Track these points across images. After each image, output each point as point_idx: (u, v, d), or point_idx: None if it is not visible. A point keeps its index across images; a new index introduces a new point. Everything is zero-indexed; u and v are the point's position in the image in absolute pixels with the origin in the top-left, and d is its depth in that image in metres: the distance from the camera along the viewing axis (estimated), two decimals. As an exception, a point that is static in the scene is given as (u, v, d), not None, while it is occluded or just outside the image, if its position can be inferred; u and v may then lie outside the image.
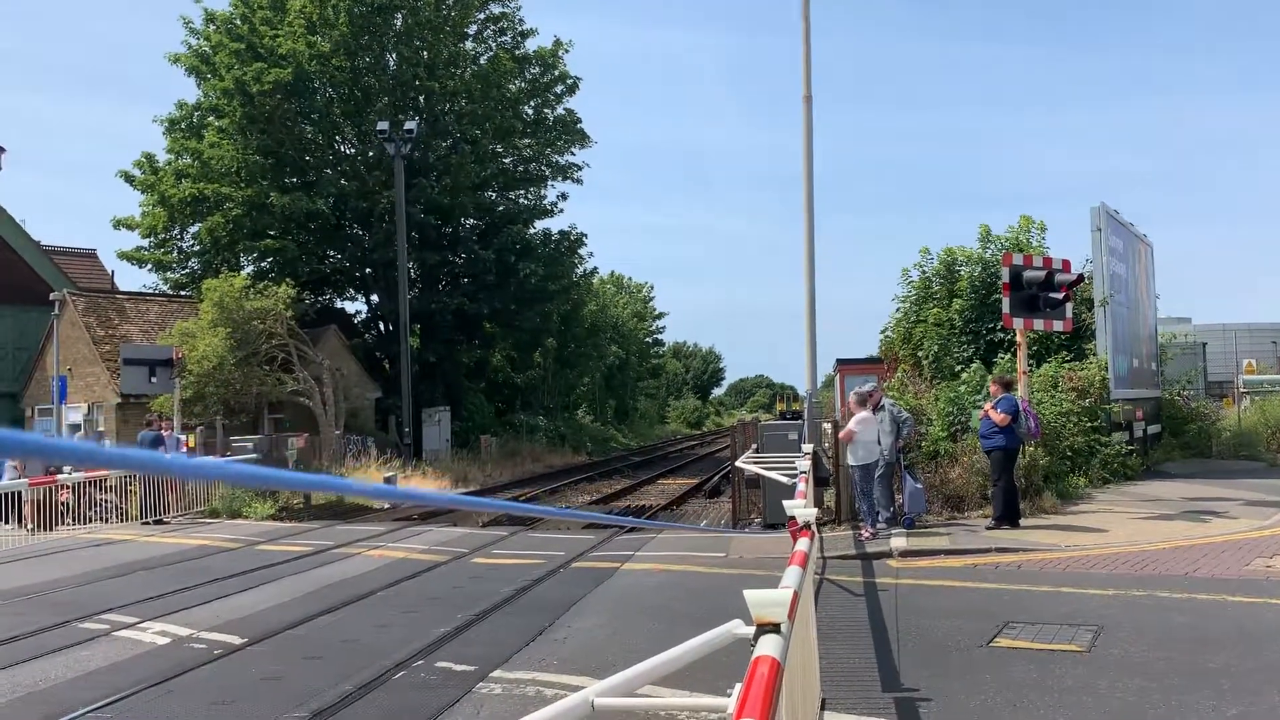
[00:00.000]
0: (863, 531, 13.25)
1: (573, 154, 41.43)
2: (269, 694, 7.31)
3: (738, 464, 14.94)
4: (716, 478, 27.61)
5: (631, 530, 16.78)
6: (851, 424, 13.59)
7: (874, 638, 8.18)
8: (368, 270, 37.76)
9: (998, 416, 13.28)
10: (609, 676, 3.39)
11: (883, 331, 25.92)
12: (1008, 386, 13.76)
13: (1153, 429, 21.74)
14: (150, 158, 36.19)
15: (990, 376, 15.79)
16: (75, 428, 27.78)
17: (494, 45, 39.40)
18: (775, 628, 3.09)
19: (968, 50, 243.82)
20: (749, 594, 3.17)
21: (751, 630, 3.20)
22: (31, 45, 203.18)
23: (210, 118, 35.35)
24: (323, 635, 9.14)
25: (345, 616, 9.97)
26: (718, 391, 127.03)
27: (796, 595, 3.75)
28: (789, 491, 10.22)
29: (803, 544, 5.58)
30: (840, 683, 6.86)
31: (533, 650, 8.22)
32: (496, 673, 7.55)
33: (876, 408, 13.63)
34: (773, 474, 12.22)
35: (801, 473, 10.37)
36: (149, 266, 36.77)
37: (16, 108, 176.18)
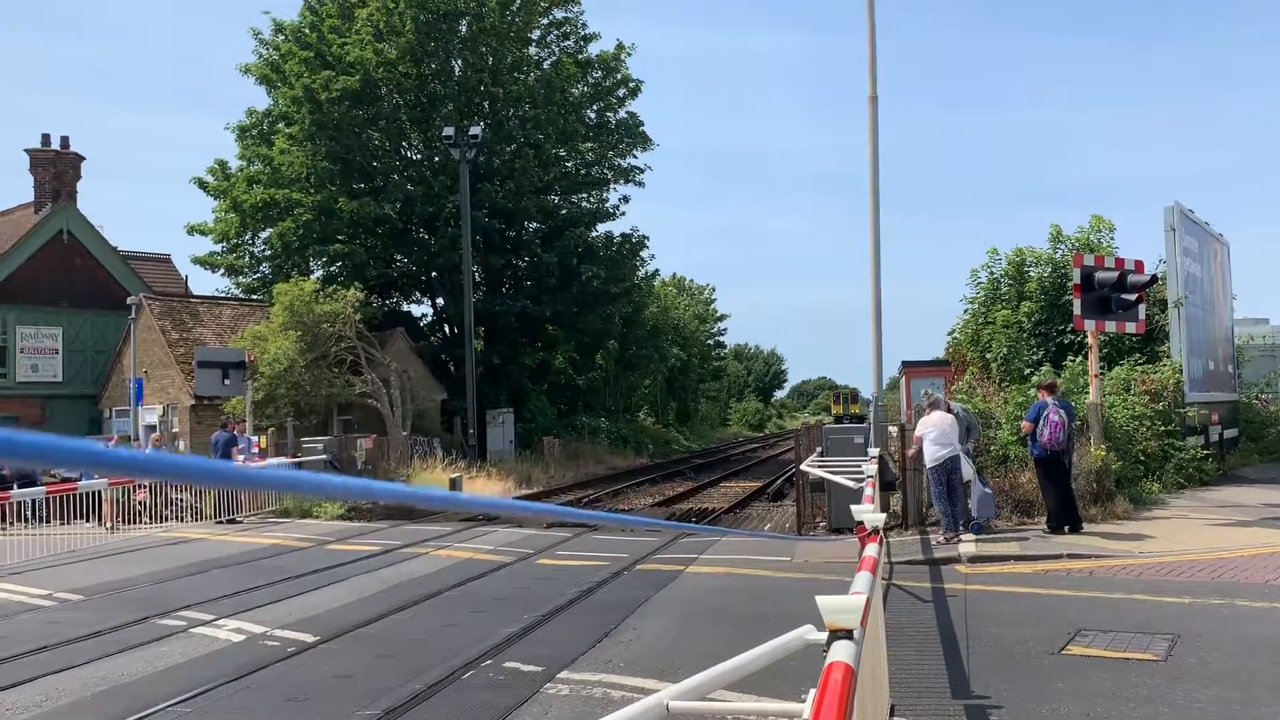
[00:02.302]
0: (938, 535, 13.11)
1: (635, 157, 41.61)
2: (341, 692, 7.45)
3: (803, 467, 14.86)
4: (780, 481, 27.48)
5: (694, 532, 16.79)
6: (920, 427, 13.45)
7: (943, 644, 8.10)
8: (433, 274, 38.24)
9: (1024, 425, 13.42)
10: (677, 679, 3.42)
11: (950, 333, 25.61)
12: (1050, 390, 13.51)
13: (1229, 433, 21.20)
14: (223, 164, 37.09)
15: (1036, 381, 15.57)
16: (151, 429, 28.48)
17: (557, 50, 39.69)
18: (848, 634, 3.09)
19: (1039, 45, 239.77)
20: (821, 600, 3.17)
21: (823, 636, 3.19)
22: (112, 57, 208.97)
23: (280, 125, 36.10)
24: (393, 634, 9.29)
25: (414, 615, 10.11)
26: (780, 394, 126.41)
27: (869, 601, 3.74)
28: (854, 496, 10.16)
29: (871, 549, 5.55)
30: (909, 689, 6.81)
31: (599, 651, 8.26)
32: (564, 673, 7.62)
33: (948, 410, 13.49)
34: (838, 478, 12.14)
35: (868, 477, 10.29)
36: (221, 271, 37.70)
37: (97, 117, 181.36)
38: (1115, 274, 14.74)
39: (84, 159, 35.05)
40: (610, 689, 7.17)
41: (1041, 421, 13.04)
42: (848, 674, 2.76)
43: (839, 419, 54.34)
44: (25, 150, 34.13)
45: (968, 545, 12.47)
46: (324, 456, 22.40)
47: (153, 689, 7.60)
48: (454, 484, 23.93)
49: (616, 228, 42.73)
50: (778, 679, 6.04)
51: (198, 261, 37.51)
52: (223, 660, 8.42)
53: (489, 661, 8.05)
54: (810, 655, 3.40)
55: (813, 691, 2.74)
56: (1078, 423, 14.20)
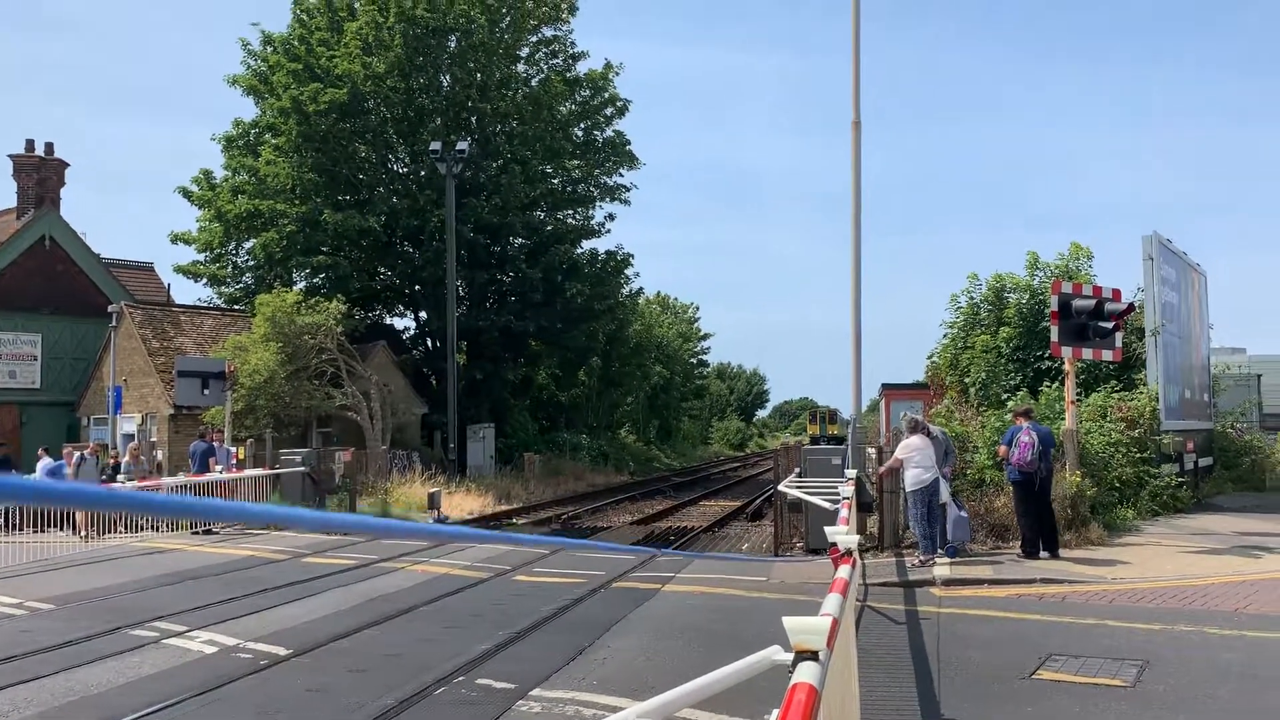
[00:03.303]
0: (914, 557, 13.17)
1: (621, 175, 41.82)
2: (313, 706, 7.43)
3: (780, 488, 14.91)
4: (759, 500, 27.52)
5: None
6: (901, 450, 13.52)
7: (915, 667, 8.14)
8: (417, 287, 38.24)
9: (999, 449, 13.66)
10: (648, 698, 3.44)
11: (929, 357, 25.81)
12: (1025, 416, 13.62)
13: (1204, 461, 21.37)
14: (208, 174, 37.06)
15: (1012, 407, 15.71)
16: (129, 437, 28.33)
17: (545, 68, 39.87)
18: (814, 655, 3.13)
19: (1018, 69, 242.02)
20: (788, 621, 3.21)
21: (790, 657, 3.23)
22: (97, 63, 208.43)
23: (267, 136, 36.09)
24: (367, 648, 9.26)
25: (389, 630, 10.08)
26: (762, 413, 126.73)
27: (836, 623, 3.78)
28: (832, 517, 10.20)
29: (844, 571, 5.60)
30: (880, 712, 6.84)
31: (572, 669, 8.27)
32: (536, 691, 7.61)
33: (927, 434, 13.58)
34: (815, 499, 12.19)
35: (844, 498, 10.34)
36: (204, 280, 37.63)
37: (82, 124, 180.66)
38: (1093, 302, 14.88)
39: (68, 165, 34.92)
40: (582, 707, 7.18)
41: (1013, 444, 13.15)
42: (811, 695, 2.80)
43: (815, 439, 54.35)
44: (9, 155, 34.02)
45: (942, 568, 12.53)
46: (302, 469, 22.32)
47: (122, 700, 7.56)
48: (432, 499, 23.88)
49: (601, 245, 42.88)
50: (750, 698, 6.06)
51: (181, 270, 37.45)
52: (194, 672, 8.37)
53: (462, 678, 8.04)
54: (781, 675, 3.44)
55: (775, 712, 2.78)
56: (1054, 449, 14.30)
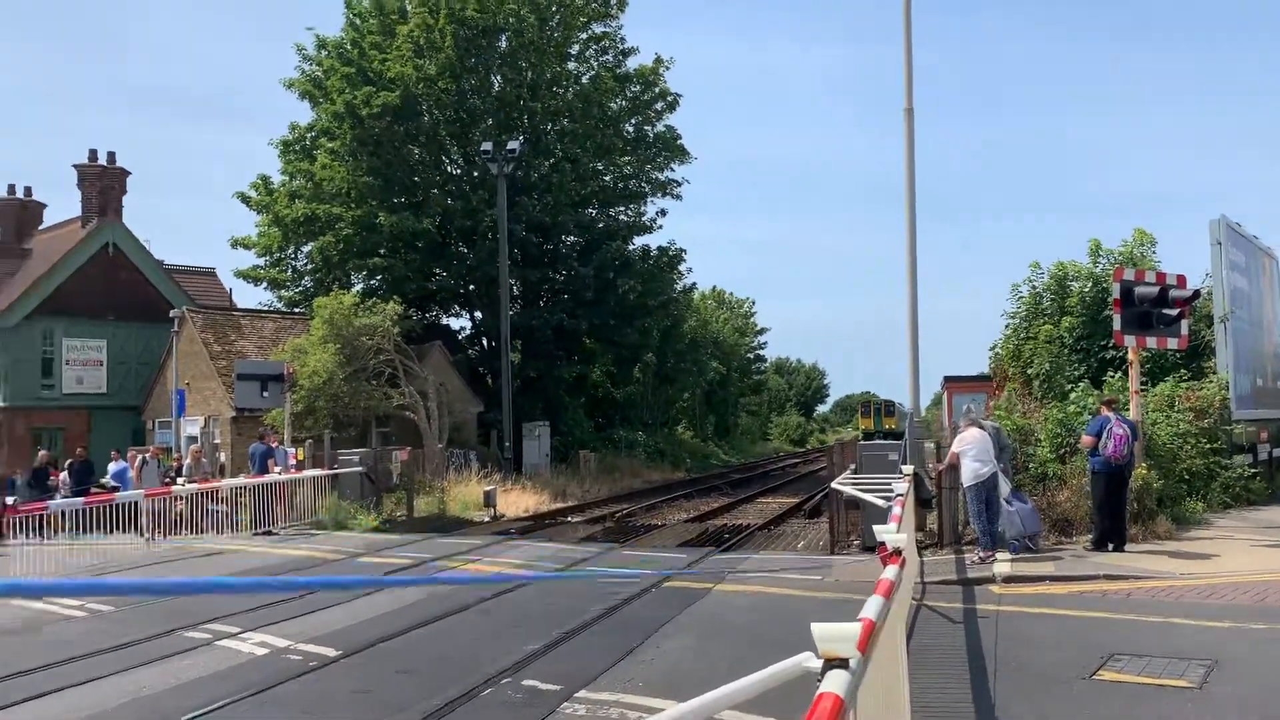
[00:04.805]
0: (974, 554, 12.89)
1: (672, 170, 41.59)
2: (358, 707, 7.42)
3: (834, 485, 14.66)
4: (817, 497, 27.17)
5: (726, 550, 16.65)
6: (958, 444, 13.24)
7: (971, 667, 7.91)
8: (471, 287, 38.43)
9: (1084, 439, 13.28)
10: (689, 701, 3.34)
11: (992, 348, 25.28)
12: (1109, 406, 13.36)
13: (1279, 452, 20.68)
14: (266, 179, 37.58)
15: (1075, 397, 15.38)
16: (192, 439, 28.83)
17: (596, 65, 39.81)
18: (843, 663, 2.98)
19: (1075, 51, 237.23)
20: (816, 628, 3.06)
21: (820, 664, 3.09)
22: (159, 73, 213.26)
23: (322, 140, 36.50)
24: (415, 649, 9.25)
25: (439, 631, 10.08)
26: (822, 408, 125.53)
27: (871, 627, 3.62)
28: (886, 513, 9.97)
29: (890, 572, 5.41)
30: (934, 714, 6.64)
31: (619, 671, 8.17)
32: (582, 692, 7.53)
33: (980, 428, 13.27)
34: (869, 496, 11.94)
35: (898, 495, 10.10)
36: (264, 284, 38.16)
37: (144, 132, 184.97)
38: (1156, 289, 14.43)
39: (129, 174, 35.69)
40: (627, 710, 7.07)
41: (1105, 435, 12.84)
42: (836, 706, 2.66)
43: (869, 435, 53.36)
44: (73, 166, 34.83)
45: (1002, 565, 12.23)
46: (360, 468, 22.51)
47: (173, 701, 7.62)
48: (488, 497, 23.96)
49: (654, 241, 42.85)
50: (794, 701, 5.90)
51: (241, 275, 38.04)
52: (244, 674, 8.42)
53: (508, 679, 7.98)
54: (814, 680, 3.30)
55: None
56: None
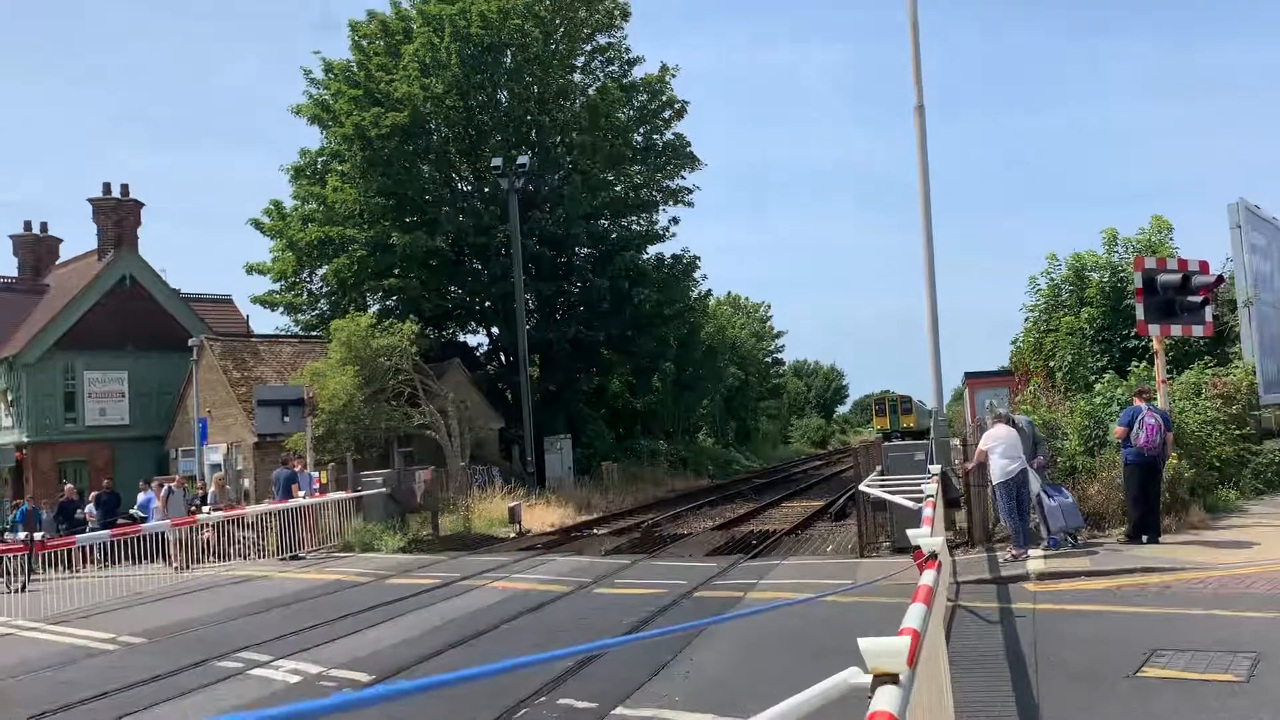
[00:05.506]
0: (1006, 552, 12.75)
1: (683, 177, 41.54)
2: (394, 732, 7.34)
3: (861, 488, 14.55)
4: (842, 499, 27.05)
5: (755, 556, 16.54)
6: (985, 441, 13.10)
7: (1010, 668, 7.79)
8: (487, 304, 38.46)
9: (1116, 430, 13.19)
10: (735, 714, 3.26)
11: (1013, 342, 25.15)
12: (1141, 395, 13.23)
13: (1309, 435, 20.40)
14: (278, 205, 37.74)
15: (1127, 386, 15.22)
16: (216, 468, 28.92)
17: (602, 75, 39.83)
18: (893, 678, 2.90)
19: (1083, 44, 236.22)
20: (863, 643, 2.98)
21: (869, 679, 3.00)
22: (166, 103, 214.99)
23: (333, 163, 36.64)
24: (447, 671, 9.16)
25: (470, 651, 10.01)
26: (842, 409, 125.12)
27: (918, 637, 3.53)
28: (916, 515, 9.86)
29: (928, 577, 5.32)
30: (976, 718, 6.52)
31: (655, 686, 8.08)
32: (618, 710, 7.45)
33: (1011, 424, 13.12)
34: (897, 498, 11.83)
35: (928, 497, 9.99)
36: (280, 309, 38.25)
37: (154, 162, 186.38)
38: (1179, 276, 14.27)
39: (143, 205, 35.89)
40: (665, 726, 6.99)
41: (1137, 425, 12.71)
42: (891, 726, 2.58)
43: (887, 435, 52.85)
44: (88, 200, 35.05)
45: (1036, 562, 12.08)
46: (384, 490, 22.50)
47: (208, 734, 7.58)
48: (513, 513, 23.91)
49: (667, 249, 42.42)
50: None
51: (257, 301, 38.16)
52: (276, 703, 8.33)
53: (543, 699, 7.90)
54: (861, 695, 3.21)
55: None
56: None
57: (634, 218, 41.59)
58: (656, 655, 9.05)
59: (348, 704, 1.73)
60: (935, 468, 13.81)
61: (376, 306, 36.07)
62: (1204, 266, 14.85)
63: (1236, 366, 17.67)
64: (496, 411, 36.09)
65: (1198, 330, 15.10)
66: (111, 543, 17.99)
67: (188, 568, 19.30)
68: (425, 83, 34.32)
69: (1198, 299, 14.36)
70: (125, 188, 35.41)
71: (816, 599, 9.92)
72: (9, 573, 17.21)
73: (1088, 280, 21.73)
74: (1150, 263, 15.06)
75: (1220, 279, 15.54)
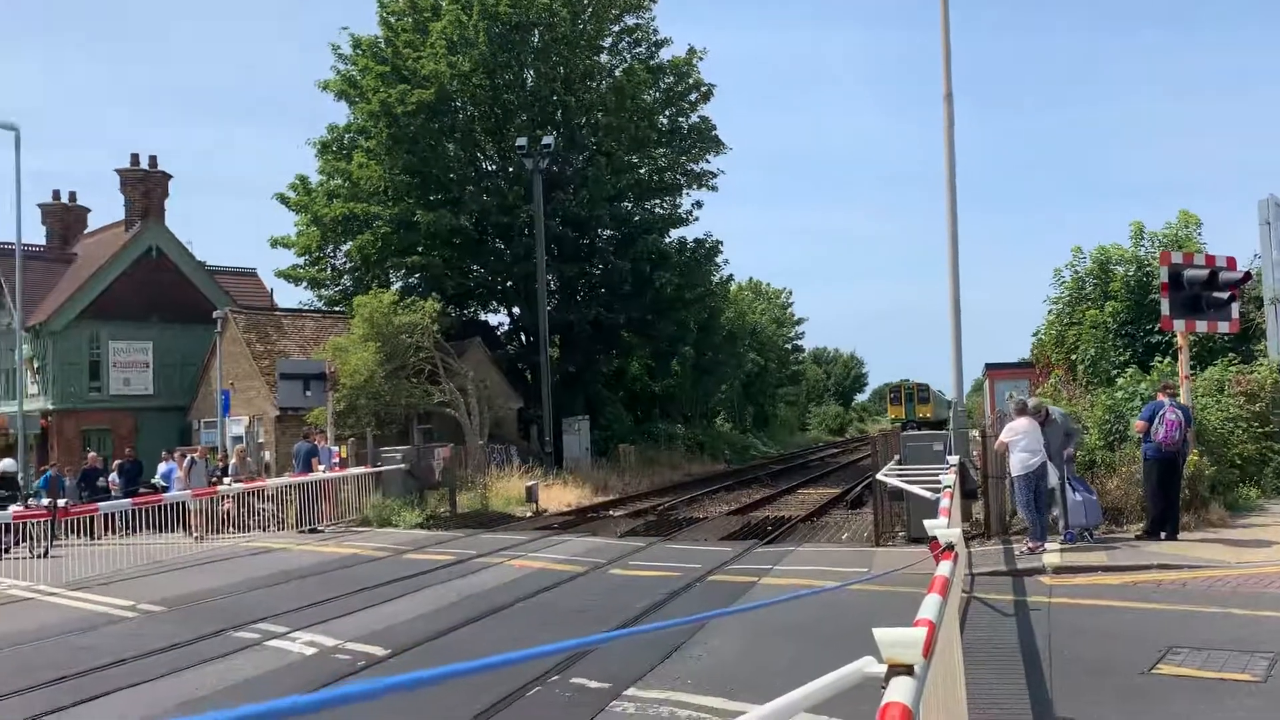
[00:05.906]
0: (1022, 545, 12.71)
1: (708, 161, 41.37)
2: (405, 706, 7.40)
3: (879, 477, 14.53)
4: (859, 487, 27.02)
5: (770, 542, 16.56)
6: (1007, 433, 13.01)
7: (1025, 663, 7.78)
8: (509, 283, 38.51)
9: (1137, 424, 13.12)
10: (745, 698, 3.27)
11: (1035, 334, 24.99)
12: (1166, 390, 13.12)
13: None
14: (304, 180, 37.84)
15: (1150, 381, 15.10)
16: (237, 439, 29.15)
17: (629, 57, 39.67)
18: (908, 669, 2.90)
19: (1112, 37, 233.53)
20: (878, 633, 2.98)
21: (883, 669, 3.01)
22: (198, 76, 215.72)
23: (359, 139, 36.70)
24: (462, 647, 9.26)
25: (485, 628, 10.09)
26: (861, 397, 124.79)
27: (933, 628, 3.54)
28: (933, 506, 9.84)
29: (944, 568, 5.31)
30: (989, 712, 6.52)
31: (667, 668, 8.12)
32: (630, 690, 7.49)
33: (1046, 419, 13.03)
34: (915, 488, 11.80)
35: (945, 487, 9.96)
36: (304, 284, 38.48)
37: (184, 135, 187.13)
38: (1206, 271, 14.14)
39: (171, 177, 36.11)
40: (676, 708, 7.02)
41: (1157, 420, 12.62)
42: (905, 716, 2.59)
43: (903, 425, 52.58)
44: (115, 170, 35.30)
45: (1052, 556, 12.04)
46: (403, 466, 22.63)
47: (227, 702, 7.66)
48: (530, 492, 24.01)
49: (690, 233, 42.27)
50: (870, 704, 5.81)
51: (282, 275, 38.37)
52: (293, 674, 8.47)
53: (556, 677, 7.95)
54: (876, 682, 3.22)
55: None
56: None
57: (657, 201, 41.50)
58: (670, 637, 9.08)
59: (324, 702, 1.71)
60: (953, 458, 13.77)
61: (399, 283, 36.23)
62: (1231, 263, 14.72)
63: (1262, 364, 17.51)
64: (516, 391, 36.19)
65: (1224, 327, 14.97)
66: (133, 511, 18.17)
67: (207, 538, 19.49)
68: (452, 60, 34.30)
69: (1225, 295, 14.23)
70: (154, 159, 35.62)
71: (837, 588, 9.91)
72: (31, 538, 17.42)
73: (1112, 274, 21.57)
74: (1177, 257, 14.93)
75: (1247, 275, 15.41)
